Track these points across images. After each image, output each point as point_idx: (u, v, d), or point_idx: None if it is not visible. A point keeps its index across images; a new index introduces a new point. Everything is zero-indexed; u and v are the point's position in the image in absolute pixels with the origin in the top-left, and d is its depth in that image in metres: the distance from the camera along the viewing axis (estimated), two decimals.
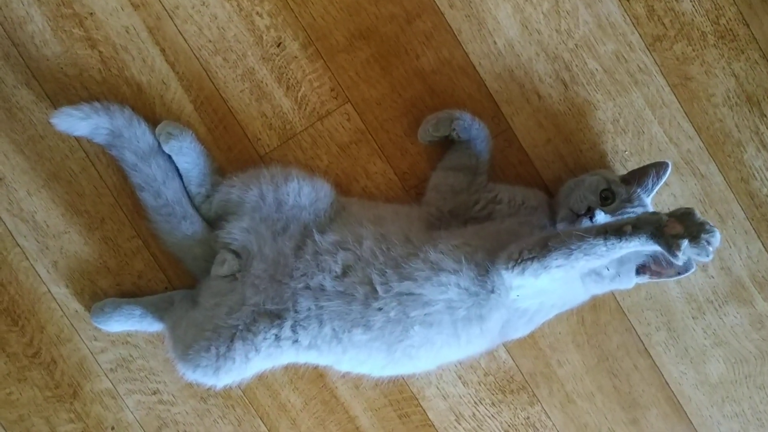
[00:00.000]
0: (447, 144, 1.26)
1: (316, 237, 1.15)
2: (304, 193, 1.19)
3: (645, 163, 1.25)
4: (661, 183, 1.14)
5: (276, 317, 1.13)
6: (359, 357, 1.16)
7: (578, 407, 1.31)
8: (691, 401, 1.31)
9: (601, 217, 1.07)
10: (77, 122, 1.20)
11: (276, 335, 1.13)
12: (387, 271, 1.11)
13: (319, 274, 1.13)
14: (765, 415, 1.32)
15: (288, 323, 1.13)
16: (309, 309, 1.13)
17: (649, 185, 1.14)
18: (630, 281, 1.12)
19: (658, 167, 1.15)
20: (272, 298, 1.14)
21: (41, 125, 1.26)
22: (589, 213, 1.08)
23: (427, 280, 1.09)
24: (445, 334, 1.12)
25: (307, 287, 1.13)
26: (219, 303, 1.16)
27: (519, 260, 1.03)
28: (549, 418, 1.32)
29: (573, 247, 0.98)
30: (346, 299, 1.12)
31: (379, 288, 1.11)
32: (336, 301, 1.12)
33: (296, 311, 1.13)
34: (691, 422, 1.32)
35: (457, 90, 1.26)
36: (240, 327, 1.13)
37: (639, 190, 1.13)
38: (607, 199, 1.12)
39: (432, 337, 1.12)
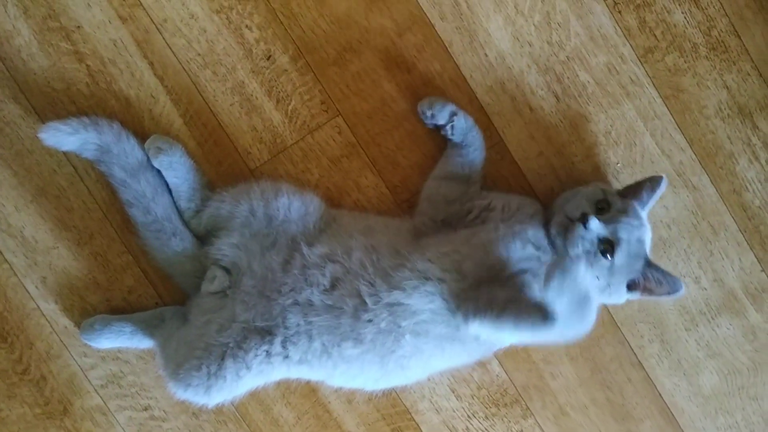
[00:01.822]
0: (439, 153, 1.25)
1: (304, 250, 1.14)
2: (294, 208, 1.18)
3: (637, 175, 1.26)
4: (657, 196, 1.14)
5: (267, 333, 1.13)
6: (351, 371, 1.16)
7: (572, 420, 1.31)
8: (684, 413, 1.31)
9: (595, 225, 1.06)
10: (65, 137, 1.18)
11: (267, 351, 1.12)
12: (376, 281, 1.10)
13: (307, 289, 1.12)
14: (758, 426, 1.32)
15: (278, 339, 1.12)
16: (298, 325, 1.12)
17: (644, 198, 1.14)
18: (621, 296, 1.11)
19: (653, 180, 1.15)
20: (262, 315, 1.13)
21: (29, 140, 1.25)
22: (583, 219, 1.07)
23: (415, 289, 1.09)
24: (432, 345, 1.13)
25: (296, 303, 1.12)
26: (209, 320, 1.15)
27: (475, 315, 1.05)
28: (542, 430, 1.32)
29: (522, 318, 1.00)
30: (335, 313, 1.12)
31: (368, 299, 1.10)
32: (324, 316, 1.12)
33: (286, 327, 1.12)
34: None
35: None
36: (230, 345, 1.12)
37: (634, 203, 1.13)
38: (602, 209, 1.12)
39: (421, 347, 1.13)
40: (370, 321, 1.11)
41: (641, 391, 1.31)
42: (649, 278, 1.09)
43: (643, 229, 1.10)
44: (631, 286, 1.11)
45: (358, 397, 1.30)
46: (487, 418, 1.32)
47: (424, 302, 1.09)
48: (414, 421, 1.32)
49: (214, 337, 1.13)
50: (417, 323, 1.10)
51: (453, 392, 1.31)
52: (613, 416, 1.31)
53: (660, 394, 1.31)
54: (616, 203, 1.12)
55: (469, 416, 1.32)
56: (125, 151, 1.20)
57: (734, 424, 1.32)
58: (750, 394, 1.31)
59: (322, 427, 1.32)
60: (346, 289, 1.11)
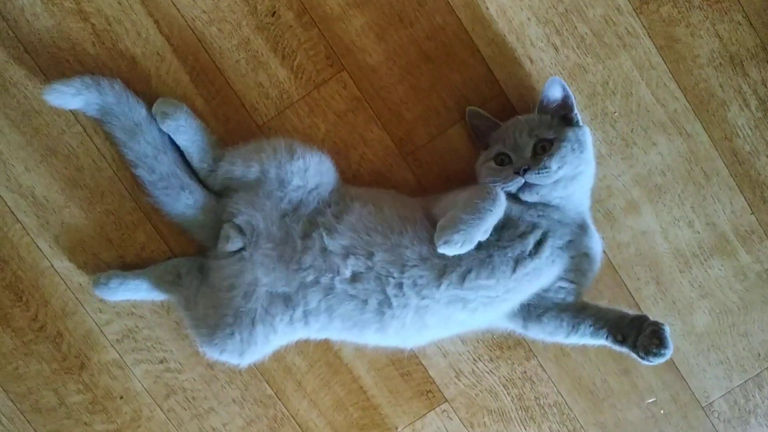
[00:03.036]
0: (443, 107, 1.29)
1: (325, 239, 1.15)
2: (309, 174, 1.19)
3: (634, 124, 1.31)
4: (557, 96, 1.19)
5: (288, 299, 1.16)
6: (371, 342, 1.23)
7: (572, 360, 1.37)
8: (678, 351, 1.38)
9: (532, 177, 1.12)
10: (69, 98, 1.20)
11: (290, 317, 1.17)
12: (404, 288, 1.12)
13: (329, 273, 1.15)
14: (747, 361, 1.39)
15: (300, 309, 1.17)
16: (319, 302, 1.16)
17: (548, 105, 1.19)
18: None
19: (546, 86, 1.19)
20: (282, 280, 1.16)
21: (36, 100, 1.26)
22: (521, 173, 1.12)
23: (449, 304, 1.13)
24: (455, 330, 1.24)
25: (317, 282, 1.15)
26: (233, 285, 1.18)
27: (439, 231, 1.07)
28: (545, 371, 1.38)
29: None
30: (358, 304, 1.15)
31: (394, 300, 1.13)
32: (346, 304, 1.15)
33: (306, 302, 1.16)
34: (678, 371, 1.38)
35: (451, 56, 1.28)
36: (258, 310, 1.16)
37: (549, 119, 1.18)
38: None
39: (445, 333, 1.24)
40: (394, 317, 1.14)
41: None
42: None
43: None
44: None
45: None
46: (492, 360, 1.37)
47: (456, 309, 1.14)
48: (422, 365, 1.37)
49: (242, 304, 1.16)
50: (443, 318, 1.15)
51: (458, 336, 1.36)
52: (611, 355, 1.37)
53: None
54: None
55: (474, 359, 1.37)
56: (125, 112, 1.21)
57: (725, 360, 1.39)
58: (740, 331, 1.38)
59: (334, 373, 1.37)
60: (371, 284, 1.13)
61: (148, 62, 1.26)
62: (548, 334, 1.22)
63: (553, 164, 1.11)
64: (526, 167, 1.12)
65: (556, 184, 1.13)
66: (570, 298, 1.20)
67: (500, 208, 1.06)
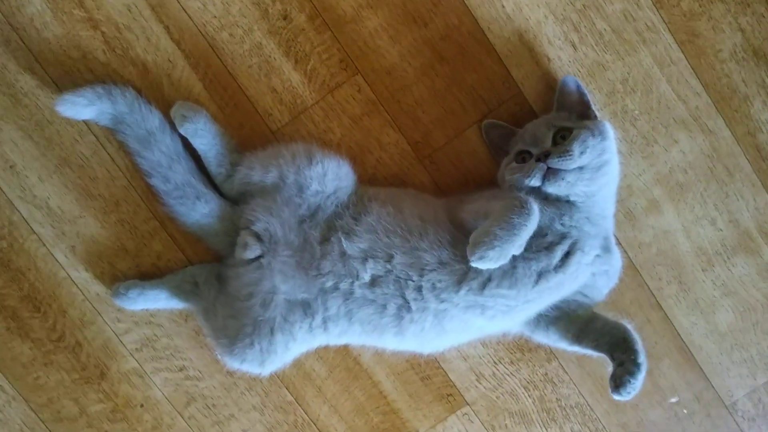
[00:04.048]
0: (459, 107, 1.27)
1: (344, 243, 1.14)
2: (328, 179, 1.17)
3: (654, 122, 1.28)
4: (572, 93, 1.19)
5: (308, 306, 1.15)
6: (390, 347, 1.22)
7: (594, 361, 1.36)
8: (701, 350, 1.36)
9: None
10: (81, 108, 1.19)
11: (309, 324, 1.16)
12: (423, 292, 1.11)
13: (348, 278, 1.13)
14: None
15: (319, 316, 1.16)
16: (338, 307, 1.15)
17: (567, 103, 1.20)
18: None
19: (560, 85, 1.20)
20: (301, 287, 1.15)
21: (48, 110, 1.25)
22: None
23: (468, 309, 1.12)
24: (474, 336, 1.23)
25: (336, 288, 1.14)
26: (251, 294, 1.16)
27: (473, 246, 1.03)
28: (566, 372, 1.37)
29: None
30: (377, 309, 1.14)
31: (413, 305, 1.12)
32: (366, 309, 1.14)
33: (326, 309, 1.15)
34: (702, 370, 1.37)
35: (467, 56, 1.26)
36: (277, 319, 1.15)
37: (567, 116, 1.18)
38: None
39: (464, 338, 1.23)
40: (413, 322, 1.13)
41: (660, 331, 1.35)
42: None
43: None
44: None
45: None
46: (513, 363, 1.36)
47: (475, 315, 1.12)
48: (442, 369, 1.36)
49: (260, 313, 1.15)
50: (461, 323, 1.14)
51: (478, 340, 1.35)
52: None
53: (678, 333, 1.36)
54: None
55: (495, 362, 1.36)
56: (138, 121, 1.20)
57: (749, 359, 1.37)
58: (764, 329, 1.36)
59: (354, 378, 1.36)
60: (390, 288, 1.12)
61: (159, 69, 1.25)
62: (552, 341, 1.23)
63: (575, 147, 1.09)
64: (547, 152, 1.10)
65: (582, 174, 1.09)
66: (580, 311, 1.19)
67: (534, 221, 1.03)
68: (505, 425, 1.38)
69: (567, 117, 1.18)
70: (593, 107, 1.18)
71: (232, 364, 1.19)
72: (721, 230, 1.32)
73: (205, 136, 1.20)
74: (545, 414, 1.38)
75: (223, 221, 1.23)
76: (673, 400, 1.38)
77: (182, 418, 1.36)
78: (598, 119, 1.17)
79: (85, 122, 1.25)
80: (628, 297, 1.34)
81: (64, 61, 1.24)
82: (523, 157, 1.16)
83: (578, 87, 1.19)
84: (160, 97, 1.25)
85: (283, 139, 1.27)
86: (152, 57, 1.24)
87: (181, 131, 1.20)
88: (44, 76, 1.24)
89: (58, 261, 1.30)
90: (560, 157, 1.09)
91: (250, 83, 1.26)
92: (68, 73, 1.24)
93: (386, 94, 1.27)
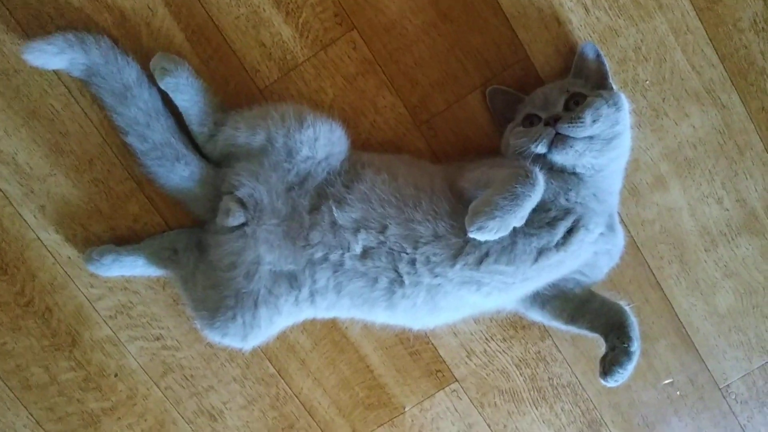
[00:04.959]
0: (462, 71, 1.18)
1: (335, 212, 1.06)
2: (320, 144, 1.09)
3: (665, 93, 1.21)
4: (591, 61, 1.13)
5: (294, 279, 1.09)
6: (379, 321, 1.17)
7: (588, 340, 1.31)
8: (699, 332, 1.32)
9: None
10: (50, 57, 1.09)
11: (296, 297, 1.09)
12: (417, 265, 1.05)
13: (338, 250, 1.06)
14: None
15: (306, 289, 1.09)
16: (327, 280, 1.08)
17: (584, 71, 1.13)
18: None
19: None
20: (287, 258, 1.08)
21: (14, 58, 1.15)
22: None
23: (464, 284, 1.05)
24: (468, 312, 1.16)
25: (325, 259, 1.07)
26: (234, 263, 1.09)
27: (471, 216, 0.97)
28: (559, 351, 1.33)
29: None
30: (368, 282, 1.07)
31: (406, 279, 1.06)
32: (356, 282, 1.08)
33: (314, 281, 1.08)
34: (698, 351, 1.33)
35: (472, 15, 1.17)
36: (261, 291, 1.08)
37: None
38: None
39: (457, 315, 1.16)
40: (405, 297, 1.07)
41: (658, 311, 1.31)
42: None
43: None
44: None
45: None
46: (505, 340, 1.32)
47: (470, 291, 1.06)
48: (431, 344, 1.31)
49: (243, 284, 1.08)
50: (455, 299, 1.07)
51: (470, 316, 1.30)
52: None
53: (676, 314, 1.31)
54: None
55: (487, 339, 1.31)
56: (113, 73, 1.10)
57: (746, 341, 1.34)
58: (764, 312, 1.32)
59: (340, 352, 1.31)
60: (382, 261, 1.06)
61: (137, 17, 1.14)
62: (547, 320, 1.18)
63: (588, 115, 1.02)
64: (557, 117, 1.03)
65: (591, 144, 1.03)
66: (578, 290, 1.14)
67: (539, 192, 0.96)
68: (495, 403, 1.34)
69: (582, 84, 1.10)
70: (610, 78, 1.11)
71: (213, 337, 1.13)
72: (727, 210, 1.27)
73: (186, 91, 1.11)
74: (536, 392, 1.34)
75: (204, 185, 1.14)
76: (667, 381, 1.35)
77: (158, 388, 1.30)
78: (615, 91, 1.09)
79: (56, 72, 1.15)
80: (627, 275, 1.29)
81: (32, 3, 1.13)
82: (530, 121, 1.09)
83: (598, 56, 1.12)
84: (138, 47, 1.15)
85: (270, 98, 1.19)
86: (130, 3, 1.14)
87: (161, 85, 1.11)
88: (10, 20, 1.14)
89: (26, 221, 1.22)
90: (571, 123, 1.02)
91: (237, 36, 1.16)
92: (37, 17, 1.13)
93: (383, 52, 1.18)
